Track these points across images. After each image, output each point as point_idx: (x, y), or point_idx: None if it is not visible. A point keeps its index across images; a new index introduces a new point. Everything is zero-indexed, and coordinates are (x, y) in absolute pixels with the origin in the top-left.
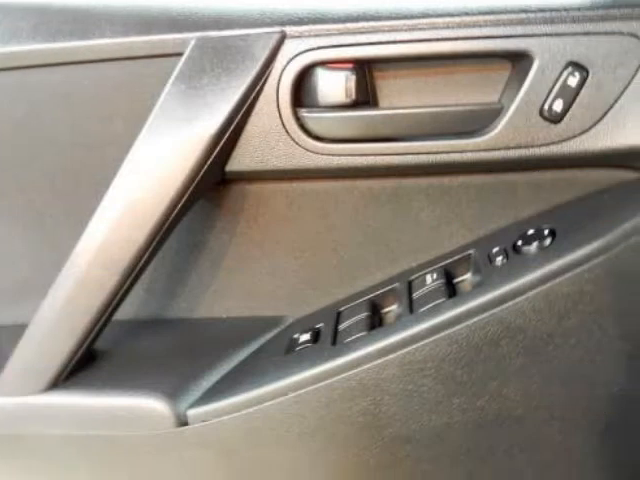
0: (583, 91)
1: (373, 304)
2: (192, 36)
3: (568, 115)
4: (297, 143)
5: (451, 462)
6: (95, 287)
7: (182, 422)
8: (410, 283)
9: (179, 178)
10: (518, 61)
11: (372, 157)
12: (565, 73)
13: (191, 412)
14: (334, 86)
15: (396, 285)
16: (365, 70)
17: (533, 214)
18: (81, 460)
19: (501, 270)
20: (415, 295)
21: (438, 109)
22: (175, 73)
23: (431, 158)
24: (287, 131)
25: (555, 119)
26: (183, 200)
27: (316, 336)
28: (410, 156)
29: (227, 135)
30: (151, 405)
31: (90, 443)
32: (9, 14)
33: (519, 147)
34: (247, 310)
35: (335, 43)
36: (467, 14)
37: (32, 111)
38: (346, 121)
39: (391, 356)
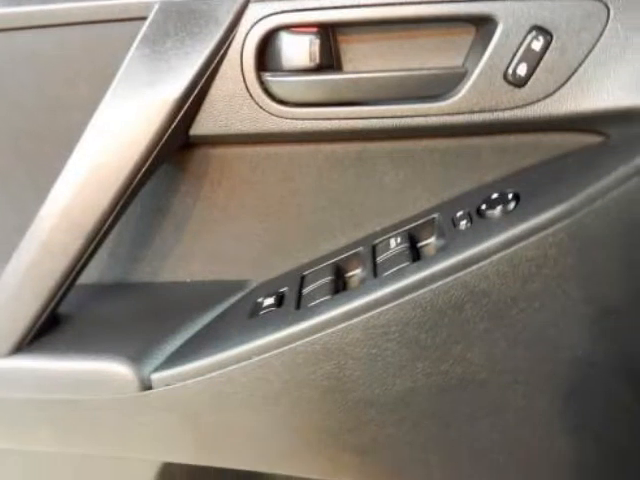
0: (547, 55)
1: (337, 268)
2: (156, 0)
3: (532, 79)
4: (261, 107)
5: (415, 426)
6: (59, 251)
7: (146, 386)
8: (374, 247)
9: (143, 142)
10: (482, 25)
11: (336, 121)
12: (529, 37)
13: (155, 376)
14: (298, 50)
15: (360, 249)
16: (329, 34)
17: (497, 178)
18: (44, 424)
19: (465, 234)
20: (379, 259)
21: (402, 73)
22: (139, 37)
23: (395, 122)
24: (251, 95)
25: (519, 83)
26: (147, 164)
27: (280, 300)
28: (374, 120)
29: (191, 99)
30: (115, 369)
31: (54, 407)
32: None
33: (483, 111)
34: (211, 274)
35: (299, 7)
36: None
37: None
38: (310, 85)
39: (355, 320)
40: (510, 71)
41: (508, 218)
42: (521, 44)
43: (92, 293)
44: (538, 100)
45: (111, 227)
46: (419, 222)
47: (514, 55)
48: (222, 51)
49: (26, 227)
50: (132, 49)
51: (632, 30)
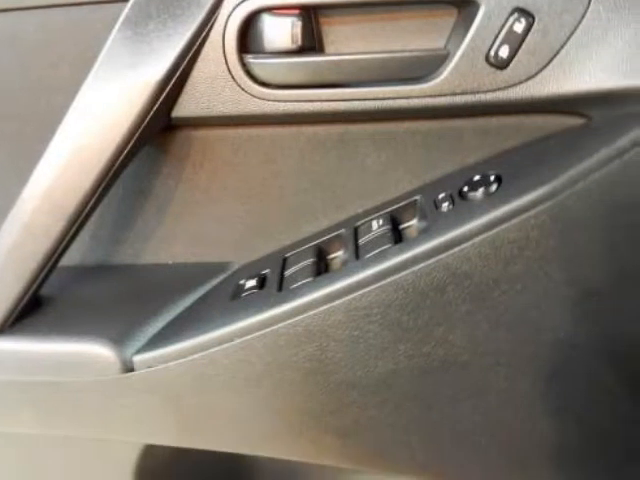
0: (529, 37)
1: (319, 250)
2: None
3: (514, 61)
4: (243, 89)
5: (397, 408)
6: (41, 233)
7: (128, 368)
8: (356, 229)
9: (125, 124)
10: (464, 7)
11: (318, 103)
12: (511, 19)
13: (137, 358)
14: (280, 32)
15: (342, 231)
16: (311, 16)
17: (479, 160)
18: (26, 406)
19: (447, 216)
20: (361, 241)
21: (384, 55)
22: (121, 19)
23: (377, 104)
24: (233, 77)
25: (501, 65)
26: (129, 146)
27: (262, 282)
28: (356, 102)
29: (173, 81)
30: (97, 351)
31: (36, 389)
32: None
33: (465, 93)
34: (193, 256)
35: None
36: None
37: None
38: (292, 67)
39: (337, 302)
40: (492, 53)
41: (490, 200)
42: (503, 26)
43: (74, 275)
44: (520, 82)
45: (93, 209)
46: (401, 204)
47: (496, 37)
48: (204, 33)
49: (8, 209)
50: (114, 31)
51: (614, 12)
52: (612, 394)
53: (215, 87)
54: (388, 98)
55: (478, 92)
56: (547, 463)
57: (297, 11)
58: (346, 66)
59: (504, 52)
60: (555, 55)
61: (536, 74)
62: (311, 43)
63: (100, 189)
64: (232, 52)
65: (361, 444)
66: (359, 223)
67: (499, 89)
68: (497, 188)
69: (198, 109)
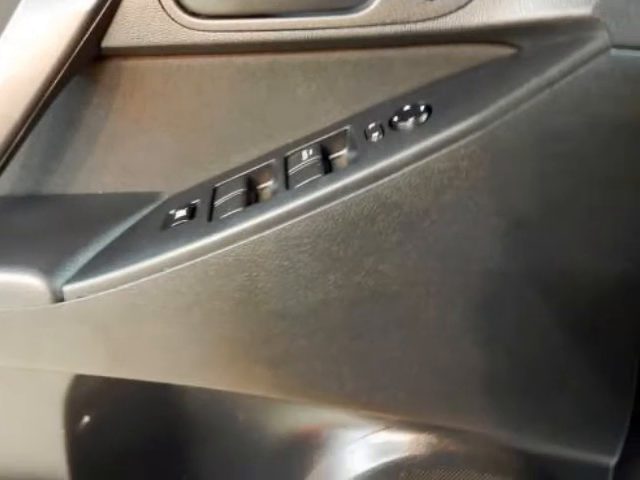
0: None
1: (249, 180)
2: None
3: None
4: (173, 19)
5: (327, 338)
6: None
7: (58, 298)
8: (286, 159)
9: (55, 54)
10: None
11: (248, 33)
12: None
13: (67, 288)
14: None
15: (272, 161)
16: None
17: (409, 90)
18: None
19: (377, 146)
20: (291, 171)
21: None
22: None
23: (307, 34)
24: (163, 7)
25: None
26: (59, 76)
27: (192, 212)
28: (286, 32)
29: (103, 11)
30: (26, 281)
31: None
32: None
33: (395, 23)
34: (123, 186)
35: None
36: None
37: None
38: None
39: (267, 232)
40: None
41: (420, 130)
42: None
43: (4, 205)
44: (450, 12)
45: (23, 139)
46: (331, 134)
47: None
48: None
49: None
50: None
51: None
52: (541, 324)
53: (145, 17)
54: (318, 28)
55: (408, 22)
56: (476, 392)
57: None
58: None
59: None
60: None
61: (466, 4)
62: None
63: (30, 119)
64: None
65: (291, 374)
66: (289, 153)
67: (429, 19)
68: (427, 118)
69: (128, 39)
